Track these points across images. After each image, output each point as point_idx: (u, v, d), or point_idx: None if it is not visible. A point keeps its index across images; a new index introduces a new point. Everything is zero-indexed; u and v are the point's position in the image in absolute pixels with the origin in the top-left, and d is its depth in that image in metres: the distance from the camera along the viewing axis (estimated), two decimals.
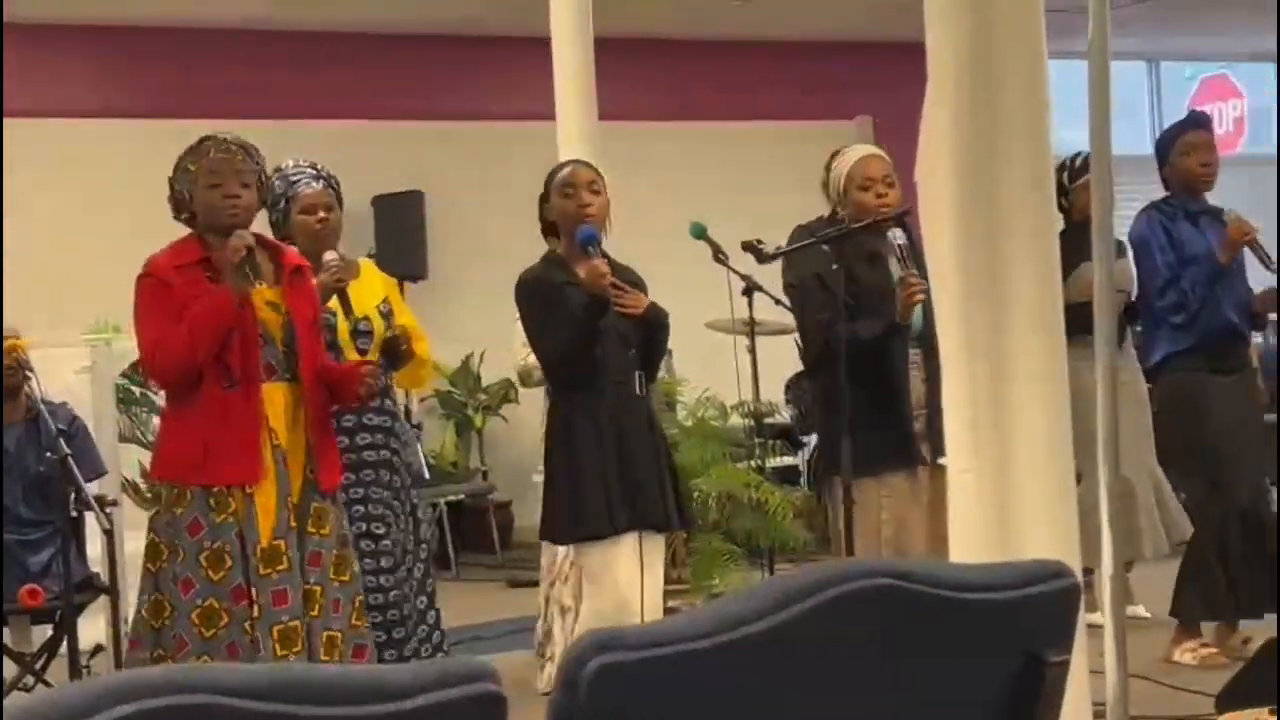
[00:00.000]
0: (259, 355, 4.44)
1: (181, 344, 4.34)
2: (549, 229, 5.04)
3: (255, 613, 4.33)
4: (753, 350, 6.52)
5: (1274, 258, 6.06)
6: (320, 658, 4.42)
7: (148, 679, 1.13)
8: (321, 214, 5.26)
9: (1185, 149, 6.13)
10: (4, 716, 1.08)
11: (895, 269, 4.95)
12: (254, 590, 4.34)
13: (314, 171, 5.32)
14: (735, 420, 7.95)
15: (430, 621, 5.42)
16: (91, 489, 5.65)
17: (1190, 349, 5.99)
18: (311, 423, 4.54)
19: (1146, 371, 6.29)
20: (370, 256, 9.92)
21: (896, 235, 4.88)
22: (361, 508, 5.19)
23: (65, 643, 5.35)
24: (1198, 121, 6.38)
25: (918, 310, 4.86)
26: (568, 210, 4.89)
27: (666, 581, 7.19)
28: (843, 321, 4.82)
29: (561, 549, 5.47)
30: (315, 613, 4.45)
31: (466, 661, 1.32)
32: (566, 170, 4.99)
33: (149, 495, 7.64)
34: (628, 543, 4.71)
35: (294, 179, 5.27)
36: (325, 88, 10.46)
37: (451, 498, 9.88)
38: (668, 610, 5.35)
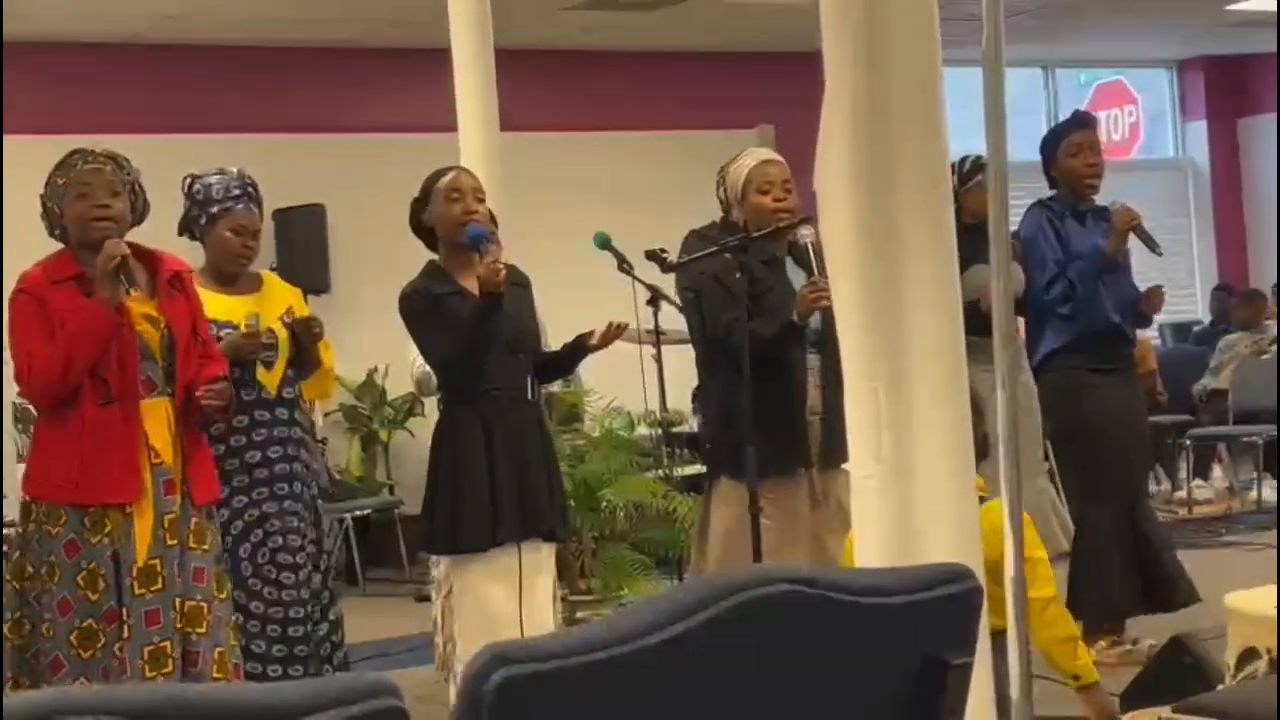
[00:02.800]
0: (137, 371, 4.36)
1: (57, 360, 4.26)
2: (426, 235, 4.95)
3: (125, 633, 4.26)
4: (659, 359, 6.52)
5: (1159, 243, 6.15)
6: (212, 676, 4.36)
7: (39, 701, 1.11)
8: (249, 239, 5.19)
9: (1071, 149, 6.20)
10: None
11: (793, 272, 4.98)
12: (126, 610, 4.27)
13: (251, 191, 5.21)
14: (642, 430, 7.95)
15: (330, 637, 5.36)
16: None
17: (1072, 346, 6.04)
18: (184, 436, 4.46)
19: (1033, 368, 6.31)
20: (272, 269, 9.87)
21: (807, 234, 4.88)
22: (278, 521, 5.13)
23: None
24: (1082, 122, 6.46)
25: (814, 316, 4.88)
26: (452, 215, 4.81)
27: (575, 592, 7.21)
28: (743, 323, 4.84)
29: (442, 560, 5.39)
30: (203, 630, 4.39)
31: (368, 677, 1.31)
32: (451, 175, 4.91)
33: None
34: (507, 557, 4.67)
35: (235, 193, 5.15)
36: (224, 101, 10.37)
37: (358, 512, 9.81)
38: (576, 621, 5.34)
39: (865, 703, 1.60)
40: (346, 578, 9.67)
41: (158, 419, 4.39)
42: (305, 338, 5.20)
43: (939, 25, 3.23)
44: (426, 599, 8.74)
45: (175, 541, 4.37)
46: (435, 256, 4.98)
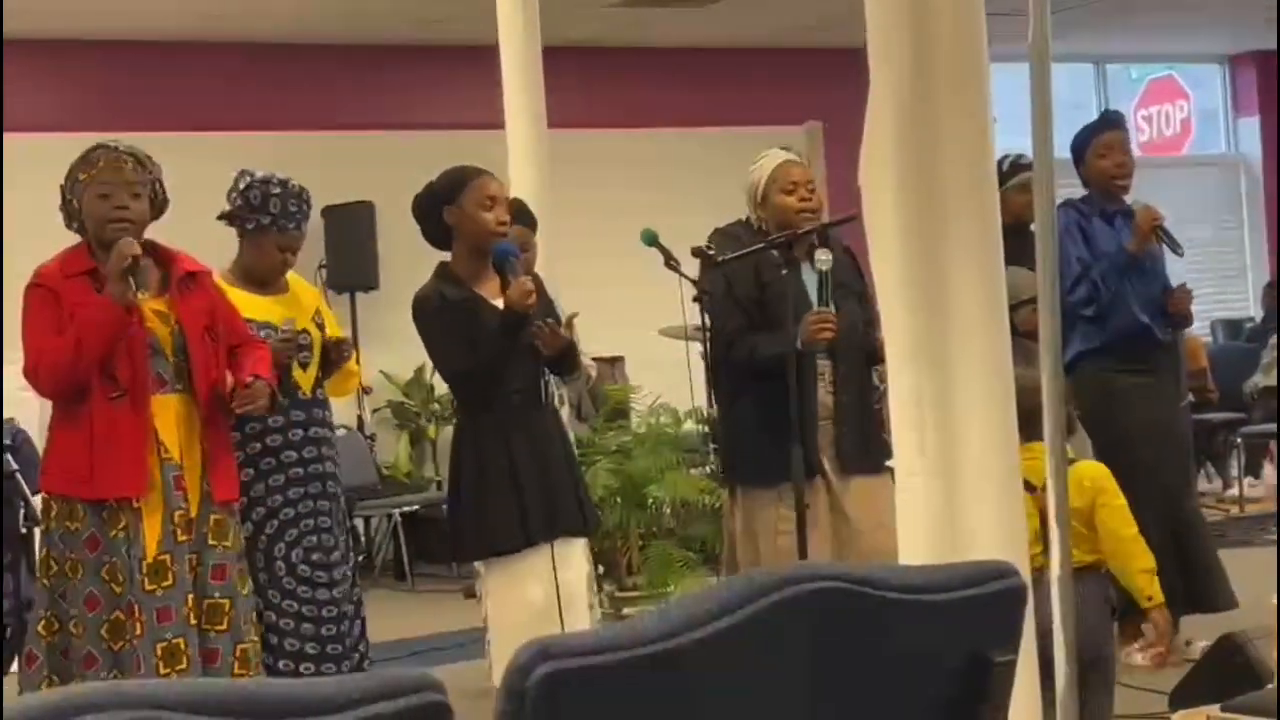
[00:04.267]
0: (148, 366, 4.37)
1: (65, 354, 4.28)
2: (437, 229, 4.82)
3: (138, 630, 4.27)
4: (705, 356, 6.51)
5: (1181, 244, 6.10)
6: (235, 672, 4.36)
7: (93, 694, 1.12)
8: (291, 256, 5.22)
9: (1101, 150, 6.15)
10: None
11: (813, 277, 4.94)
12: (137, 607, 4.28)
13: (307, 210, 5.22)
14: (689, 426, 7.94)
15: (356, 631, 5.38)
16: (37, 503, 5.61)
17: (1100, 348, 6.00)
18: (206, 434, 4.47)
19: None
20: (321, 268, 9.94)
21: (824, 260, 4.84)
22: (311, 520, 5.16)
23: (16, 661, 5.30)
24: (1111, 121, 6.41)
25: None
26: (482, 221, 4.70)
27: (621, 589, 7.21)
28: (746, 328, 4.82)
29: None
30: (224, 626, 4.39)
31: (412, 672, 1.32)
32: (484, 180, 4.80)
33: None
34: (538, 556, 4.66)
35: (291, 211, 5.13)
36: (275, 99, 10.42)
37: (406, 509, 9.84)
38: (621, 617, 5.34)
39: (909, 700, 1.60)
40: (395, 573, 9.72)
41: (167, 415, 4.40)
42: (334, 355, 5.23)
43: (985, 20, 3.21)
44: (475, 595, 8.77)
45: (186, 538, 4.37)
46: (446, 257, 4.90)
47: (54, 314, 4.34)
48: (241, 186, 5.16)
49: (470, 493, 4.70)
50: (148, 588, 4.29)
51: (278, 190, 5.14)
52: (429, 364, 10.14)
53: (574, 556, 4.82)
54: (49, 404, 6.80)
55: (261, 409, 4.55)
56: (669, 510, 7.52)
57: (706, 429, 7.48)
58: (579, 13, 9.50)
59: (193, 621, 4.36)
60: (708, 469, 7.59)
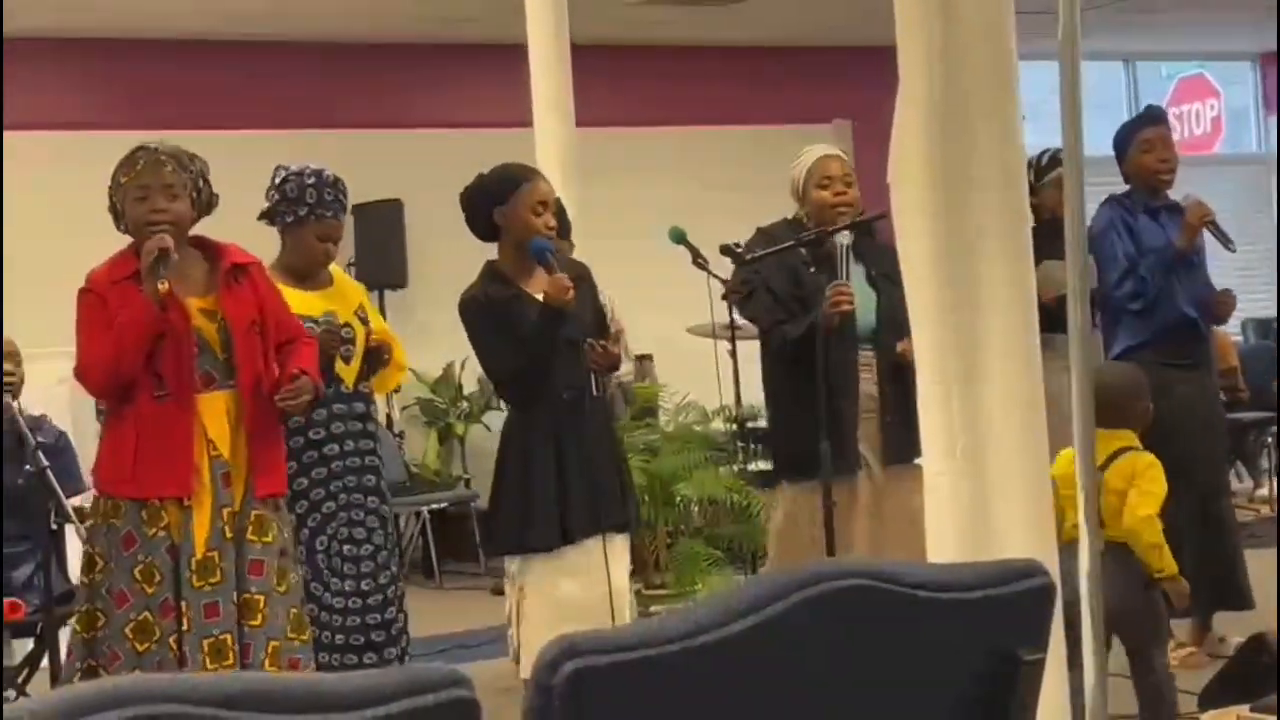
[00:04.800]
0: (193, 364, 4.39)
1: (107, 354, 4.31)
2: (485, 226, 4.88)
3: (185, 626, 4.29)
4: (734, 354, 6.51)
5: (1232, 239, 6.09)
6: (266, 668, 4.38)
7: (115, 689, 1.13)
8: (331, 246, 5.26)
9: (1144, 146, 6.15)
10: None
11: (857, 269, 4.97)
12: (184, 603, 4.29)
13: (343, 200, 5.26)
14: (717, 425, 7.94)
15: (400, 625, 5.40)
16: (73, 502, 5.63)
17: (1147, 343, 5.99)
18: (253, 429, 4.49)
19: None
20: (350, 266, 9.96)
21: (843, 238, 4.88)
22: (348, 514, 5.19)
23: (46, 656, 5.33)
24: (1154, 117, 6.41)
25: (870, 311, 4.86)
26: (532, 226, 4.75)
27: (649, 586, 7.21)
28: (785, 321, 4.84)
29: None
30: (257, 622, 4.40)
31: (441, 668, 1.32)
32: (542, 186, 4.86)
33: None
34: (578, 553, 4.68)
35: (327, 200, 5.18)
36: (303, 98, 10.45)
37: (434, 506, 9.86)
38: (649, 615, 5.35)
39: (937, 698, 1.60)
40: (423, 571, 9.74)
41: (216, 412, 4.41)
42: (374, 360, 5.25)
43: (1015, 18, 3.21)
44: (502, 592, 8.78)
45: (233, 534, 4.40)
46: (476, 251, 4.96)
47: (102, 318, 4.37)
48: (278, 181, 5.20)
49: (514, 488, 4.74)
50: (196, 584, 4.31)
51: (312, 180, 5.18)
52: (458, 361, 10.25)
53: (617, 552, 4.84)
54: (82, 402, 6.85)
55: (303, 405, 4.56)
56: (697, 509, 7.52)
57: (735, 427, 7.49)
58: (606, 11, 9.50)
59: (237, 617, 4.39)
60: (736, 467, 7.59)
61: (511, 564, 5.10)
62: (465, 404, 10.58)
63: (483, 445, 10.65)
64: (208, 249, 4.55)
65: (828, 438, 4.74)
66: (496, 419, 10.34)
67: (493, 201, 4.85)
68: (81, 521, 5.34)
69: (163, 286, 4.32)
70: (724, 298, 6.01)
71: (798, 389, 4.82)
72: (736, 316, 6.25)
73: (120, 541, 4.33)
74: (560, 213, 5.55)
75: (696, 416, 8.16)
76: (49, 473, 5.25)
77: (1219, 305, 6.14)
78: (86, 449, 6.84)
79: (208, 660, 4.28)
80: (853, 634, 1.50)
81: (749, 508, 7.28)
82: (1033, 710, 1.63)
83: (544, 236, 4.77)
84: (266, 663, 4.40)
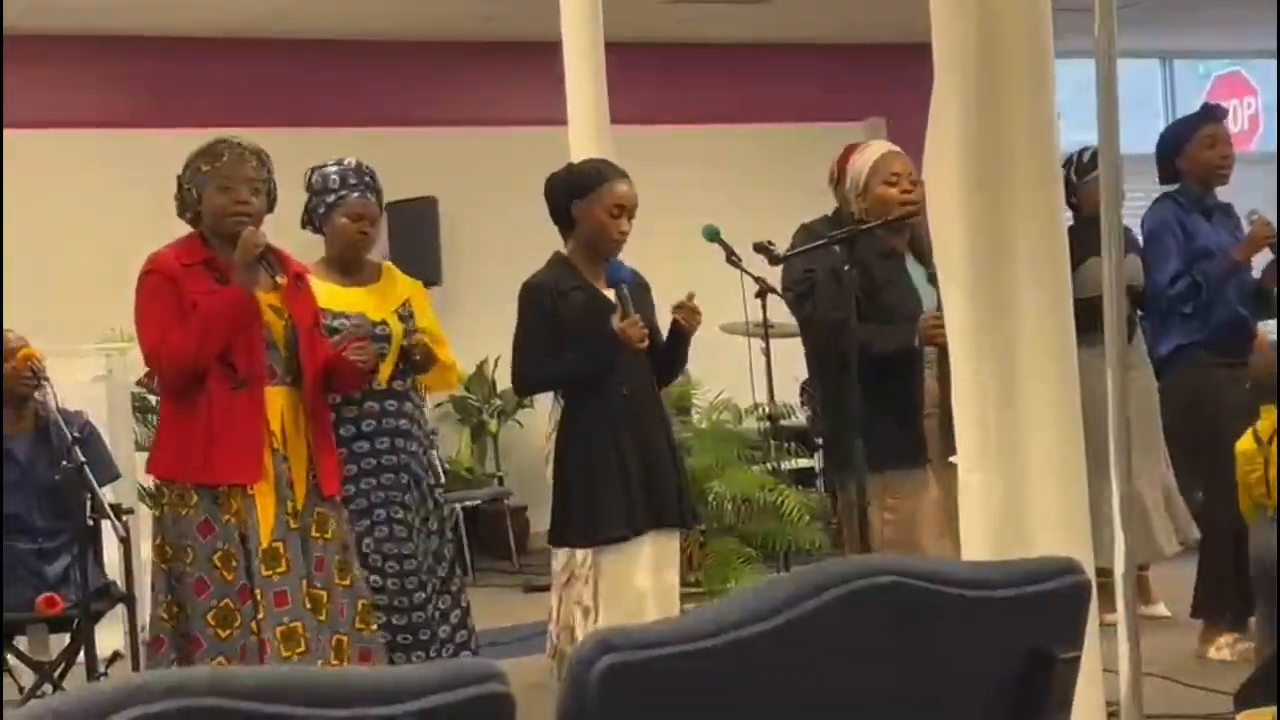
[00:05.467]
0: (264, 357, 4.44)
1: (191, 341, 4.33)
2: (564, 219, 4.92)
3: (260, 614, 4.34)
4: (767, 352, 6.51)
5: None
6: (331, 663, 4.42)
7: (150, 683, 1.13)
8: (366, 226, 5.28)
9: (1208, 141, 6.12)
10: None
11: (917, 268, 4.96)
12: (258, 591, 4.35)
13: (369, 181, 5.31)
14: (750, 423, 7.94)
15: (454, 621, 5.42)
16: (106, 495, 5.66)
17: (1200, 342, 5.97)
18: (312, 427, 4.53)
19: (1156, 363, 6.26)
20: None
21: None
22: (384, 511, 5.21)
23: (83, 650, 5.36)
24: (1215, 114, 6.39)
25: (931, 304, 4.85)
26: (608, 229, 4.81)
27: (682, 584, 7.21)
28: (854, 321, 4.81)
29: (580, 551, 5.45)
30: (323, 618, 4.46)
31: (475, 662, 1.32)
32: (622, 187, 4.88)
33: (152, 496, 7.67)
34: (645, 545, 4.72)
35: (349, 181, 5.25)
36: (337, 95, 10.48)
37: (467, 503, 9.88)
38: (682, 612, 5.35)
39: (971, 696, 1.59)
40: None
41: (276, 407, 4.47)
42: (409, 359, 5.28)
43: (1051, 15, 3.20)
44: (535, 589, 8.80)
45: (298, 526, 4.45)
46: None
47: (173, 301, 4.39)
48: (307, 180, 5.26)
49: (580, 480, 4.76)
50: (264, 573, 4.36)
51: (334, 168, 5.28)
52: (491, 358, 10.27)
53: (672, 550, 4.86)
54: (119, 397, 6.88)
55: (370, 364, 4.70)
56: (730, 506, 7.52)
57: (768, 424, 7.49)
58: (641, 9, 9.51)
59: (306, 606, 4.42)
60: (769, 465, 7.59)
61: (558, 559, 5.11)
62: (498, 401, 10.60)
63: (516, 443, 10.68)
64: (268, 249, 4.60)
65: (898, 431, 4.78)
66: (529, 416, 10.38)
67: (572, 193, 4.89)
68: (118, 516, 5.38)
69: (281, 280, 4.36)
70: (757, 295, 6.01)
71: (870, 383, 4.80)
72: (769, 315, 6.26)
73: (196, 530, 4.37)
74: None
75: (729, 414, 8.17)
76: (86, 468, 5.28)
77: (1268, 278, 6.09)
78: (123, 444, 6.89)
79: (282, 648, 4.32)
80: (885, 631, 1.49)
81: (781, 505, 7.28)
82: (1068, 709, 1.62)
83: (616, 241, 4.81)
84: (332, 656, 4.44)
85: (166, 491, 4.46)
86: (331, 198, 5.23)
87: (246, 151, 4.53)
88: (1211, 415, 5.95)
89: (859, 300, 4.87)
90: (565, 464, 4.85)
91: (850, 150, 5.29)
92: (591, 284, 4.82)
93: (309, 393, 4.53)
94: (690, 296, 4.94)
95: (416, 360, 5.27)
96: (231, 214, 4.46)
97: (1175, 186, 6.21)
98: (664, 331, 5.06)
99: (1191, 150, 6.14)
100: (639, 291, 4.92)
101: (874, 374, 4.75)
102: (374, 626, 4.66)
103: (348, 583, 4.58)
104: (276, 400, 4.47)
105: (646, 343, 4.67)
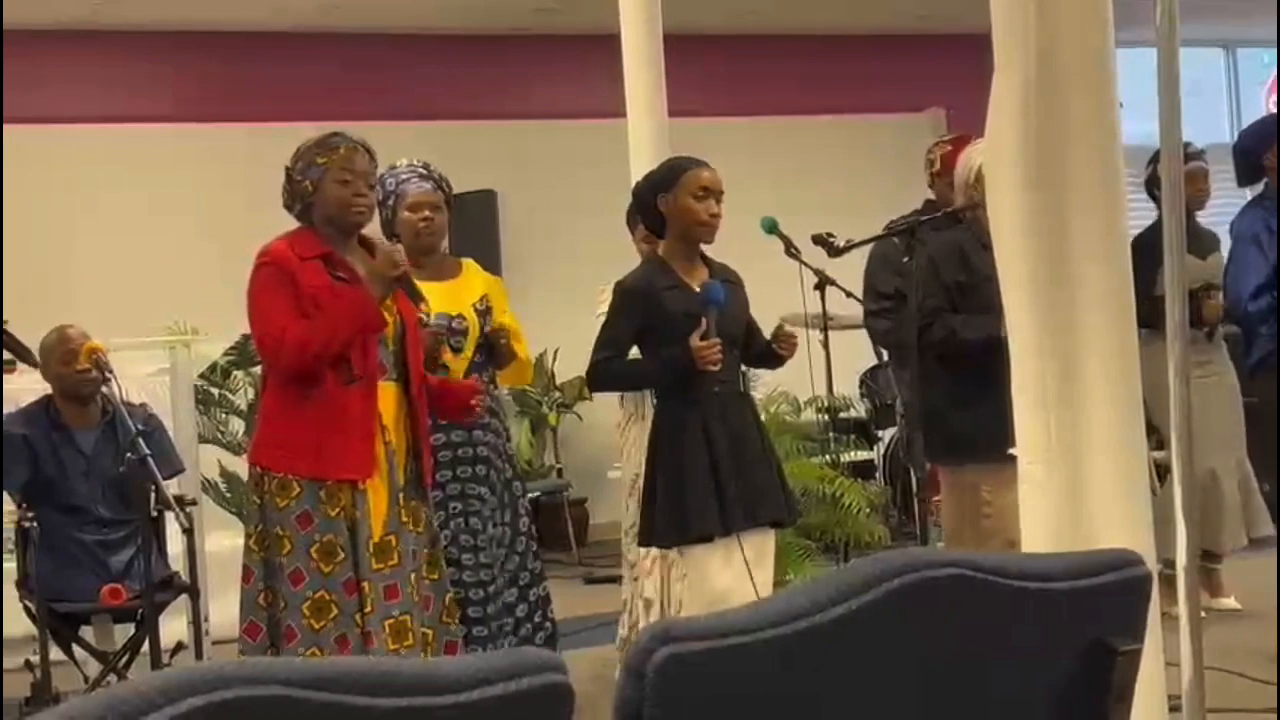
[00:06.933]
0: (378, 354, 4.46)
1: (317, 338, 4.32)
2: (653, 217, 4.92)
3: (368, 607, 4.35)
4: (826, 344, 6.50)
5: None
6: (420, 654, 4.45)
7: (215, 672, 1.15)
8: (427, 213, 5.32)
9: None
10: (78, 709, 1.10)
11: None
12: (366, 584, 4.35)
13: (424, 171, 5.37)
14: (809, 415, 7.93)
15: (519, 614, 5.45)
16: (170, 488, 5.71)
17: None
18: (415, 422, 4.57)
19: (1248, 370, 6.11)
20: None
21: None
22: (459, 504, 5.26)
23: (147, 641, 5.41)
24: None
25: None
26: (697, 213, 4.79)
27: None
28: (946, 309, 4.80)
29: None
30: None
31: (536, 652, 1.33)
32: (707, 174, 4.85)
33: (228, 495, 7.72)
34: (734, 545, 4.69)
35: (404, 178, 5.33)
36: (398, 89, 10.53)
37: (528, 495, 9.90)
38: None
39: (1031, 689, 1.59)
40: None
41: (387, 402, 4.49)
42: (491, 352, 5.33)
43: (1111, 4, 3.17)
44: (595, 581, 8.82)
45: (408, 519, 4.48)
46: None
47: (290, 294, 4.39)
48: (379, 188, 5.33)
49: (670, 480, 4.73)
50: (375, 567, 4.38)
51: (389, 173, 5.34)
52: (550, 351, 10.29)
53: (767, 548, 4.84)
54: (182, 391, 6.93)
55: (430, 341, 4.79)
56: None
57: (827, 417, 7.47)
58: (699, 1, 9.50)
59: (416, 599, 4.45)
60: (828, 457, 7.57)
61: (646, 556, 5.11)
62: (558, 394, 10.62)
63: (575, 435, 10.71)
64: (369, 247, 4.62)
65: (995, 420, 4.78)
66: (589, 409, 10.41)
67: (658, 189, 4.88)
68: (182, 508, 5.43)
69: (425, 308, 4.60)
70: (816, 287, 6.00)
71: (963, 374, 4.78)
72: (828, 307, 6.25)
73: (294, 521, 4.38)
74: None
75: (788, 406, 8.15)
76: (149, 460, 5.34)
77: None
78: (187, 436, 6.95)
79: (390, 640, 4.34)
80: (946, 623, 1.49)
81: (840, 498, 7.26)
82: (1129, 702, 1.61)
83: (707, 224, 4.79)
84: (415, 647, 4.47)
85: (267, 481, 4.44)
86: (393, 199, 5.31)
87: (360, 146, 4.55)
88: None
89: (955, 290, 4.86)
90: (655, 464, 4.82)
91: (960, 143, 5.27)
92: (688, 283, 4.79)
93: (416, 385, 4.55)
94: (781, 326, 4.94)
95: (500, 347, 5.31)
96: (352, 206, 4.48)
97: (1262, 185, 6.06)
98: (759, 327, 5.04)
99: None
100: (732, 290, 4.88)
101: (966, 360, 4.73)
102: (457, 621, 4.69)
103: (436, 576, 4.60)
104: (386, 395, 4.48)
105: (719, 366, 4.63)
